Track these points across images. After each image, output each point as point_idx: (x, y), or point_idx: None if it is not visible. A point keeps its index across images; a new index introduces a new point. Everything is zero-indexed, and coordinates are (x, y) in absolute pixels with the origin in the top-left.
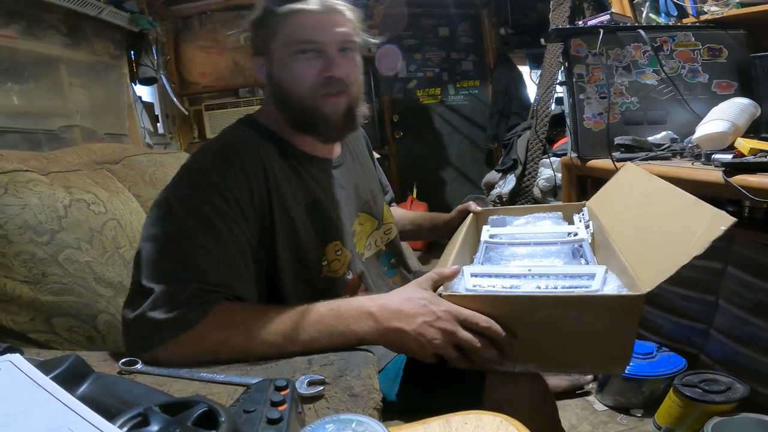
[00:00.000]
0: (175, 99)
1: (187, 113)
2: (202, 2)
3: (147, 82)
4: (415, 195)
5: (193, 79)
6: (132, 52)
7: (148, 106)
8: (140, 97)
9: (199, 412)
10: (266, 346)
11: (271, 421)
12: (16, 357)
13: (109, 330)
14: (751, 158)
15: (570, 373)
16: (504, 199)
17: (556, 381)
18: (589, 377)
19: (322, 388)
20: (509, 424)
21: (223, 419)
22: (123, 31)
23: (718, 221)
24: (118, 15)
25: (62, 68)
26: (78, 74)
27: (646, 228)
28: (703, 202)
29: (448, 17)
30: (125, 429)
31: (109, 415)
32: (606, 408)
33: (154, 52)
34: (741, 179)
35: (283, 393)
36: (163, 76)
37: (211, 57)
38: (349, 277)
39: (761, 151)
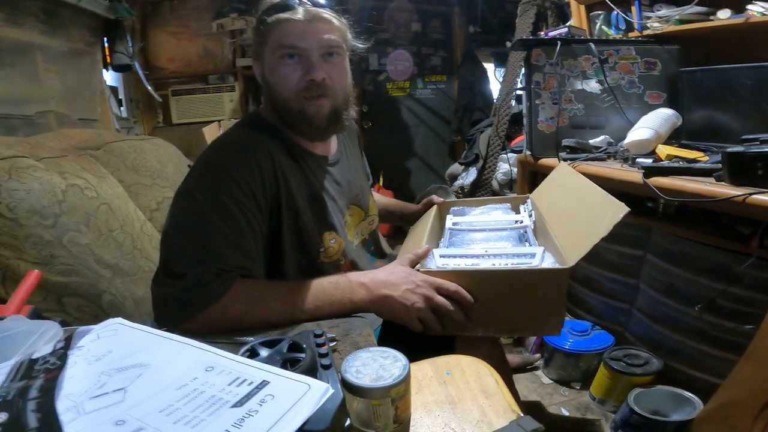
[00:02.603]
0: (148, 86)
1: (161, 100)
2: None
3: (121, 69)
4: (381, 183)
5: (159, 64)
6: (105, 38)
7: (113, 91)
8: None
9: (287, 345)
10: (280, 314)
11: (321, 355)
12: (120, 319)
13: (111, 309)
14: (666, 163)
15: (520, 335)
16: (466, 190)
17: (509, 357)
18: (537, 355)
19: (335, 343)
20: (478, 362)
21: (305, 346)
22: (99, 18)
23: (618, 210)
24: (97, 3)
25: (38, 55)
26: (53, 61)
27: (572, 216)
28: (610, 195)
29: (421, 13)
30: (247, 356)
31: None
32: (551, 381)
33: (129, 39)
34: (656, 181)
35: (321, 338)
36: (137, 64)
37: (181, 43)
38: (342, 262)
39: (676, 156)
